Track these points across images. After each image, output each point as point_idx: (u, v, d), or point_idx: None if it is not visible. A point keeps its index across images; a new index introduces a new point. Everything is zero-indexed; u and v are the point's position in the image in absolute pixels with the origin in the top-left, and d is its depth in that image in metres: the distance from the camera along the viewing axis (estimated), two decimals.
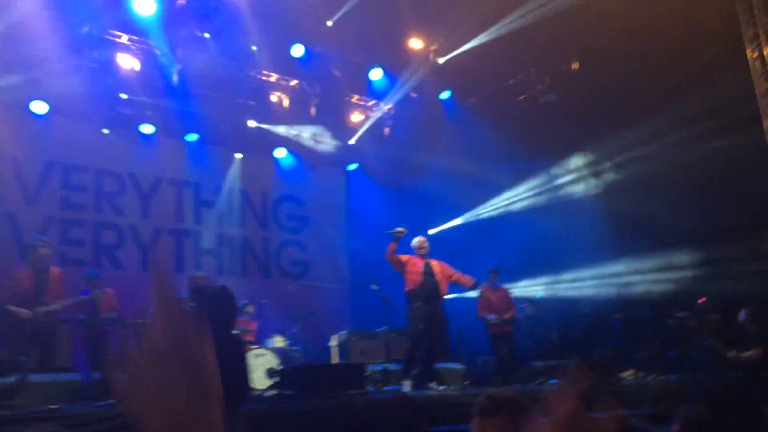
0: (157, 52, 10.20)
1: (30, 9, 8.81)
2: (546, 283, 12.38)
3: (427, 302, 7.98)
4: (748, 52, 9.91)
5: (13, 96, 9.72)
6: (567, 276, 12.25)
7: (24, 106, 10.21)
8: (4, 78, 9.45)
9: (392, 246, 8.18)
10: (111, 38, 9.93)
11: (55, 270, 7.70)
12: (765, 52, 9.75)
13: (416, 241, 8.46)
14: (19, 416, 4.45)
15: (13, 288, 7.26)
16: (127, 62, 10.14)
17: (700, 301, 9.13)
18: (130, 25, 9.72)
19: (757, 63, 9.86)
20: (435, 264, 8.33)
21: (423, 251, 8.33)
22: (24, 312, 7.12)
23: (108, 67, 9.96)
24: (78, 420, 4.46)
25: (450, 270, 8.42)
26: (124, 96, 10.83)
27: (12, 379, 5.62)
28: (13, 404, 5.22)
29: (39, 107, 10.33)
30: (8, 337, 7.01)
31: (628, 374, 8.88)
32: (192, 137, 12.14)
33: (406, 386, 7.34)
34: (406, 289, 8.20)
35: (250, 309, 10.16)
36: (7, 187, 10.29)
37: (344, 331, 10.29)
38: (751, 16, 9.90)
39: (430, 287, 8.07)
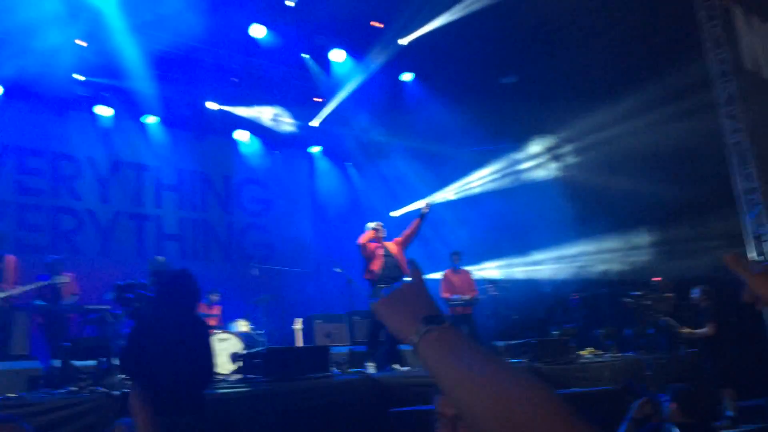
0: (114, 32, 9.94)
1: None
2: (507, 265, 12.57)
3: (390, 284, 8.05)
4: (704, 34, 10.14)
5: None
6: (528, 257, 12.46)
7: None
8: None
9: (416, 222, 8.62)
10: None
11: (10, 257, 7.53)
12: (719, 38, 9.99)
13: (374, 225, 8.50)
14: None
15: None
16: (83, 43, 9.87)
17: (655, 280, 9.39)
18: (83, 5, 9.44)
19: (712, 45, 10.09)
20: (391, 245, 8.40)
21: (381, 234, 8.39)
22: None
23: (63, 47, 9.67)
24: (37, 408, 4.41)
25: (400, 239, 8.53)
26: (79, 77, 10.56)
27: None
28: None
29: None
30: None
31: (586, 352, 9.12)
32: (151, 119, 11.90)
33: (370, 368, 7.41)
34: (368, 273, 8.26)
35: (214, 296, 10.10)
36: None
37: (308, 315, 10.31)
38: (709, 7, 10.12)
39: (391, 267, 8.15)
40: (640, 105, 10.40)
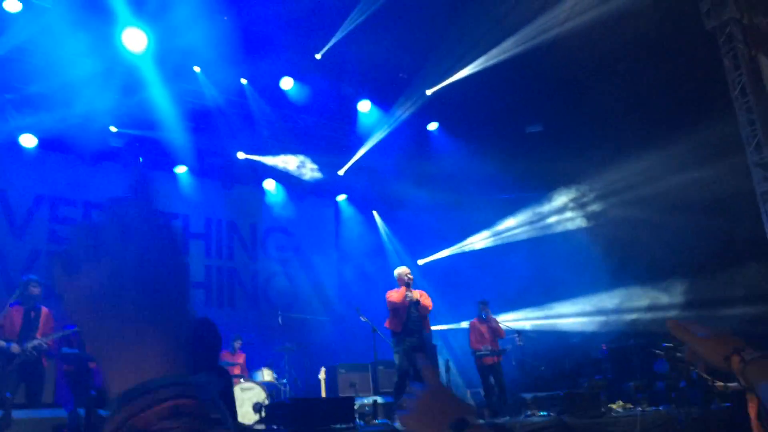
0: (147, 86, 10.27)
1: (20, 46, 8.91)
2: (534, 315, 12.40)
3: (412, 335, 7.98)
4: (730, 82, 10.13)
5: (1, 129, 9.75)
6: (555, 308, 12.29)
7: (12, 139, 10.21)
8: None
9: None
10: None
11: (44, 309, 7.70)
12: (746, 87, 9.98)
13: (401, 271, 8.45)
14: None
15: (4, 324, 7.27)
16: (118, 95, 10.21)
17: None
18: (121, 60, 9.78)
19: (739, 94, 10.07)
20: (417, 294, 8.32)
21: (408, 281, 8.33)
22: (14, 346, 7.13)
23: (98, 100, 10.00)
24: None
25: (428, 301, 8.40)
26: (113, 129, 10.88)
27: None
28: None
29: (28, 141, 10.33)
30: None
31: (617, 405, 8.87)
32: (181, 169, 12.15)
33: (398, 420, 7.30)
34: (391, 324, 8.23)
35: (238, 343, 10.11)
36: None
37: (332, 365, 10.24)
38: (731, 48, 10.14)
39: (414, 319, 8.08)
40: (669, 155, 10.36)
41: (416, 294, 8.19)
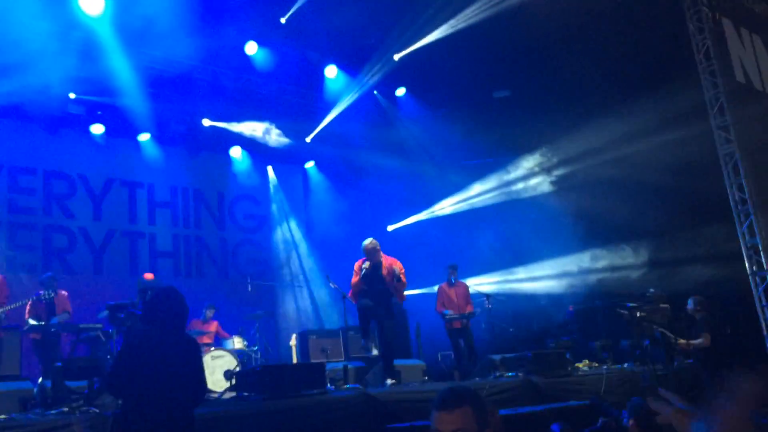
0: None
1: None
2: (502, 278, 12.55)
3: (378, 305, 7.97)
4: (694, 46, 10.23)
5: None
6: (523, 271, 12.46)
7: None
8: None
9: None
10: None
11: None
12: (710, 50, 10.08)
13: (364, 243, 8.34)
14: None
15: None
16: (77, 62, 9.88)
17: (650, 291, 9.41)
18: (78, 23, 9.45)
19: (702, 58, 10.17)
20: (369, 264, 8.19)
21: (368, 251, 8.21)
22: None
23: (55, 66, 9.67)
24: (27, 430, 4.35)
25: (395, 267, 8.22)
26: (72, 95, 10.56)
27: None
28: None
29: None
30: None
31: (583, 365, 9.09)
32: (144, 137, 11.89)
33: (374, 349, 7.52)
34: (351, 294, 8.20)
35: (210, 312, 10.05)
36: None
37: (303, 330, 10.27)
38: (696, 11, 10.22)
39: (378, 290, 8.02)
40: (634, 119, 10.46)
41: (372, 263, 8.07)
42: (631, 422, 4.15)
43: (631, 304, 8.46)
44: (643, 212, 10.52)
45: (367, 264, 8.00)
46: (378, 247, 8.15)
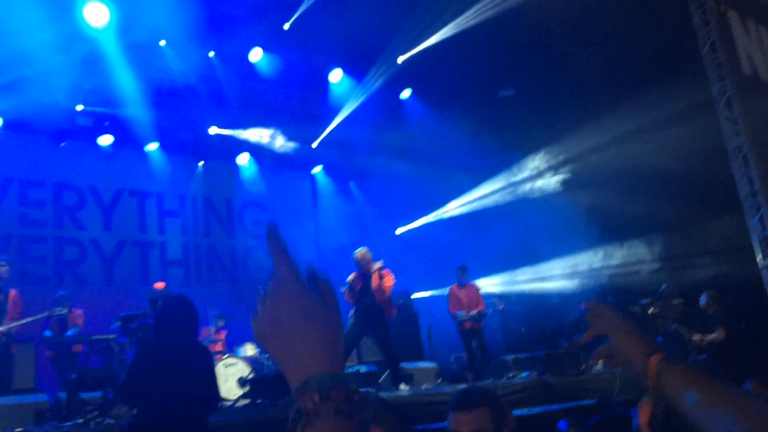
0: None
1: None
2: (513, 278, 12.51)
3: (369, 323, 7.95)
4: (700, 39, 10.16)
5: None
6: (534, 270, 12.41)
7: None
8: None
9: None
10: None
11: (13, 291, 7.51)
12: (715, 43, 10.01)
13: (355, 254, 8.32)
14: None
15: None
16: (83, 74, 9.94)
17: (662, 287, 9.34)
18: (82, 36, 9.50)
19: (708, 50, 10.10)
20: (352, 276, 8.14)
21: (360, 264, 8.17)
22: None
23: (60, 77, 9.73)
24: None
25: (386, 283, 8.08)
26: (79, 107, 10.63)
27: None
28: None
29: None
30: None
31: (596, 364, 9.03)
32: (152, 146, 11.94)
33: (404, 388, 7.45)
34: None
35: (221, 322, 10.08)
36: None
37: None
38: (700, 4, 10.15)
39: (367, 304, 7.96)
40: (641, 114, 10.40)
41: (352, 276, 8.00)
42: (641, 420, 4.11)
43: (644, 301, 8.41)
44: (652, 208, 10.45)
45: (351, 276, 7.97)
46: (369, 257, 8.08)
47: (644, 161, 10.38)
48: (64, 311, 7.57)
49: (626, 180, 10.81)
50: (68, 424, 5.18)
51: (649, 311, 8.20)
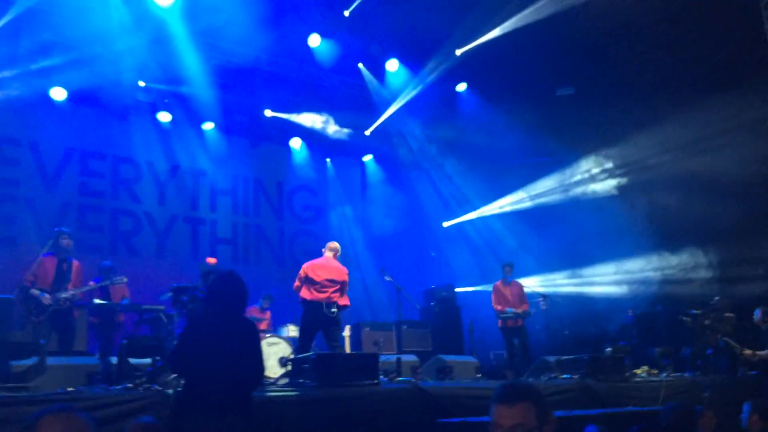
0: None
1: None
2: (561, 280, 12.34)
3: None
4: None
5: (32, 83, 9.80)
6: (581, 272, 12.22)
7: (43, 93, 10.27)
8: (24, 64, 9.54)
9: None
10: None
11: (75, 262, 7.86)
12: None
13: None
14: (37, 398, 4.51)
15: (38, 274, 7.42)
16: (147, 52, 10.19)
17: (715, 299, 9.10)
18: (149, 16, 9.72)
19: None
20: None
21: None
22: (46, 297, 7.29)
23: (126, 54, 9.99)
24: (93, 403, 4.52)
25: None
26: (141, 83, 10.90)
27: (31, 361, 5.70)
28: (31, 386, 5.29)
29: (58, 94, 10.39)
30: (29, 320, 7.14)
31: (641, 371, 8.85)
32: (208, 126, 12.18)
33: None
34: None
35: (266, 302, 10.27)
36: (27, 173, 10.41)
37: (357, 322, 10.34)
38: None
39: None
40: (704, 121, 10.10)
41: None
42: (754, 417, 4.11)
43: (695, 311, 8.19)
44: (710, 216, 10.16)
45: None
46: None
47: (705, 168, 10.09)
48: (124, 280, 7.93)
49: (685, 186, 10.54)
50: (118, 387, 5.34)
51: (703, 323, 7.97)
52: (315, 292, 7.68)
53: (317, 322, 7.67)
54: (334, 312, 7.67)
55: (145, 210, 11.62)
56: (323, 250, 8.14)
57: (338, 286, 7.76)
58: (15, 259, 9.33)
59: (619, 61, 10.89)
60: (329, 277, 7.74)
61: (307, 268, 7.83)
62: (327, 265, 7.89)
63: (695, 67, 10.42)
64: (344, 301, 7.88)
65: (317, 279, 7.71)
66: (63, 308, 7.44)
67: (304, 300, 7.75)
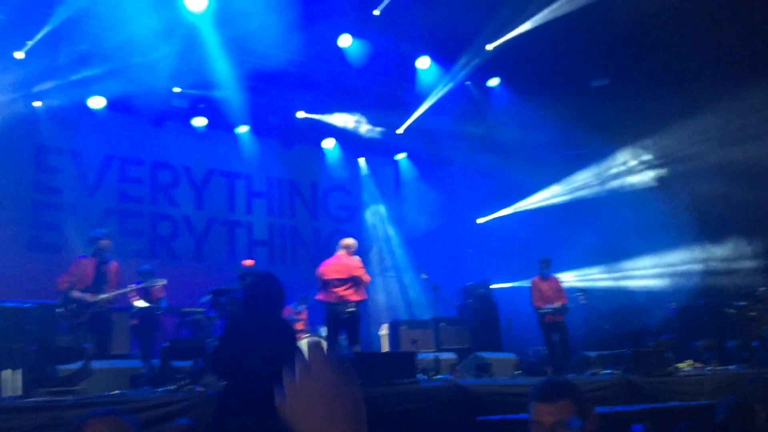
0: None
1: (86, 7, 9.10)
2: (600, 274, 12.16)
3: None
4: None
5: (72, 92, 10.04)
6: (621, 266, 12.02)
7: (82, 102, 10.52)
8: (63, 75, 9.79)
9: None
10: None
11: (114, 263, 8.00)
12: None
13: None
14: (83, 401, 4.62)
15: (77, 275, 7.56)
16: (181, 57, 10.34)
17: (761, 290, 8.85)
18: (182, 22, 9.87)
19: None
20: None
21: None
22: (89, 295, 7.41)
23: (161, 61, 10.14)
24: (139, 405, 4.62)
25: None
26: (176, 89, 11.08)
27: (76, 365, 5.84)
28: (77, 390, 5.42)
29: (96, 102, 10.62)
30: (71, 323, 7.30)
31: (685, 365, 8.68)
32: (242, 129, 12.32)
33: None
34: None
35: (303, 304, 10.36)
36: (69, 181, 10.66)
37: (394, 321, 10.35)
38: None
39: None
40: (745, 110, 9.84)
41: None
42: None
43: (740, 303, 7.99)
44: (751, 208, 9.90)
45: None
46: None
47: (746, 156, 9.84)
48: (163, 282, 8.08)
49: (727, 176, 10.28)
50: (161, 389, 5.45)
51: (748, 314, 7.77)
52: (328, 294, 7.76)
53: (337, 322, 7.74)
54: (349, 312, 7.69)
55: (184, 214, 11.81)
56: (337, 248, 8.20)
57: (349, 284, 7.79)
58: (58, 265, 9.56)
59: (654, 51, 10.67)
60: (337, 276, 7.81)
61: (319, 270, 7.94)
62: (335, 263, 7.96)
63: (732, 54, 10.16)
64: (359, 296, 7.90)
65: (327, 279, 7.79)
66: (102, 310, 7.58)
67: (321, 302, 7.86)
